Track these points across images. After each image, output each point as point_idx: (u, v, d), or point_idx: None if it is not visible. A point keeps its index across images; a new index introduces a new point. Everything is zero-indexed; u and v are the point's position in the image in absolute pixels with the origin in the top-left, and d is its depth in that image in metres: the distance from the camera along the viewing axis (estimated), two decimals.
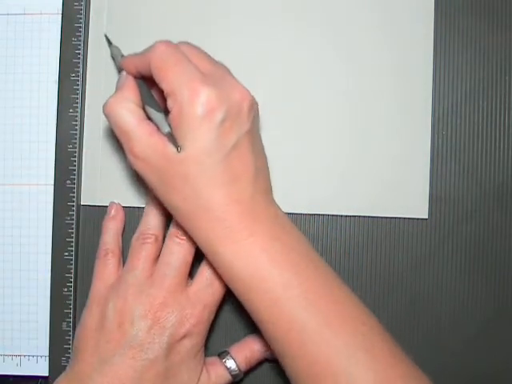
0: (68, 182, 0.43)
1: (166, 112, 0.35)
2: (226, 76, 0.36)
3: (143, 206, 0.43)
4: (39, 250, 0.44)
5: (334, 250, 0.43)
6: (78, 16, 0.42)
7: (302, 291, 0.34)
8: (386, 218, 0.42)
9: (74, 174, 0.43)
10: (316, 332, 0.33)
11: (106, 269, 0.40)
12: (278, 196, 0.42)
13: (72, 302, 0.42)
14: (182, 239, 0.38)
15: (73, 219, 0.42)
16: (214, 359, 0.40)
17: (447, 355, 0.42)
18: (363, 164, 0.42)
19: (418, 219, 0.42)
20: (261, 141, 0.38)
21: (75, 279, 0.43)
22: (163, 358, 0.36)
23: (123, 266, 0.40)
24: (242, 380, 0.41)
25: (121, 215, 0.42)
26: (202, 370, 0.38)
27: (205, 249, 0.36)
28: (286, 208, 0.42)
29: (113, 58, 0.42)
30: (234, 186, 0.35)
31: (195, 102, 0.33)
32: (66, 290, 0.43)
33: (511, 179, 0.42)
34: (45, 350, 0.43)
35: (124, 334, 0.36)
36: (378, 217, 0.42)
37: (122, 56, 0.40)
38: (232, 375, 0.39)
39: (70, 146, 0.43)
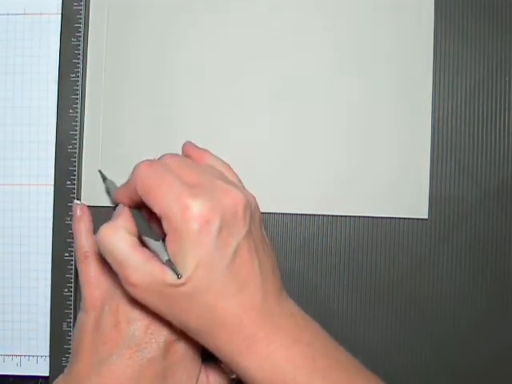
0: (68, 182, 0.43)
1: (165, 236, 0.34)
2: (214, 182, 0.35)
3: None
4: (39, 250, 0.44)
5: (333, 250, 0.43)
6: (78, 16, 0.42)
7: None
8: (386, 218, 0.42)
9: (74, 174, 0.43)
10: None
11: (90, 271, 0.39)
12: (278, 196, 0.42)
13: (72, 302, 0.42)
14: None
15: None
16: (212, 362, 0.39)
17: (447, 354, 0.42)
18: (363, 164, 0.42)
19: (417, 219, 0.42)
20: (264, 238, 0.37)
21: (75, 279, 0.43)
22: (161, 357, 0.36)
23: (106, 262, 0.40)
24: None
25: (87, 214, 0.41)
26: (200, 371, 0.38)
27: (226, 360, 0.35)
28: (287, 208, 0.42)
29: (108, 193, 0.42)
30: (243, 294, 0.34)
31: (188, 217, 0.32)
32: (66, 290, 0.43)
33: (511, 179, 0.42)
34: (45, 350, 0.43)
35: (121, 334, 0.36)
36: (378, 217, 0.42)
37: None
38: (231, 378, 0.39)
39: (70, 146, 0.43)
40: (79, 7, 0.42)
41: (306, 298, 0.43)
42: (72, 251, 0.42)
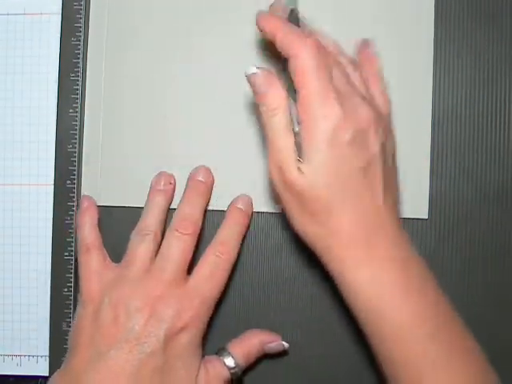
0: (68, 182, 0.43)
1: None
2: (354, 91, 0.35)
3: (143, 206, 0.43)
4: (39, 250, 0.44)
5: None
6: (78, 16, 0.42)
7: (429, 332, 0.34)
8: None
9: (74, 174, 0.43)
10: (445, 373, 0.33)
11: (92, 264, 0.39)
12: None
13: (72, 302, 0.42)
14: (182, 233, 0.39)
15: (73, 219, 0.42)
16: (212, 356, 0.39)
17: None
18: None
19: (417, 219, 0.42)
20: (395, 159, 0.38)
21: (75, 279, 0.43)
22: (160, 351, 0.36)
23: (108, 257, 0.40)
24: (241, 379, 0.41)
25: (94, 207, 0.42)
26: (199, 367, 0.38)
27: (336, 272, 0.35)
28: None
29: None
30: (361, 204, 0.34)
31: (327, 117, 0.33)
32: (65, 290, 0.43)
33: (511, 179, 0.42)
34: (45, 350, 0.43)
35: (120, 328, 0.36)
36: None
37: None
38: (231, 373, 0.39)
39: (70, 146, 0.43)
40: (79, 7, 0.42)
41: (306, 297, 0.43)
42: (72, 251, 0.42)
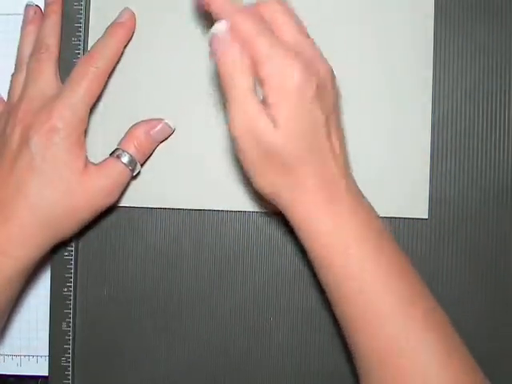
0: None
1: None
2: (311, 47, 0.36)
3: (143, 206, 0.43)
4: None
5: None
6: (78, 16, 0.42)
7: (382, 273, 0.34)
8: (386, 217, 0.42)
9: None
10: (391, 313, 0.34)
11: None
12: None
13: (72, 302, 0.42)
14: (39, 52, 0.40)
15: None
16: (107, 159, 0.40)
17: None
18: (363, 164, 0.42)
19: (417, 219, 0.42)
20: (341, 114, 0.38)
21: (75, 279, 0.43)
22: (33, 151, 0.37)
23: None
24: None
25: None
26: (85, 165, 0.39)
27: (297, 222, 0.36)
28: None
29: None
30: (324, 158, 0.35)
31: (288, 75, 0.33)
32: (65, 289, 0.43)
33: (511, 179, 0.42)
34: (45, 350, 0.43)
35: None
36: None
37: None
38: (130, 169, 0.40)
39: None
40: (79, 7, 0.42)
41: (306, 297, 0.43)
42: (72, 251, 0.42)
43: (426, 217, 0.42)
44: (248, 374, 0.42)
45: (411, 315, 0.34)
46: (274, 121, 0.34)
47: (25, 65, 0.40)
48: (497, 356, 0.42)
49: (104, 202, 0.40)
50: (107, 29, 0.41)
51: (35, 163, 0.37)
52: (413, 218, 0.42)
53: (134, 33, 0.42)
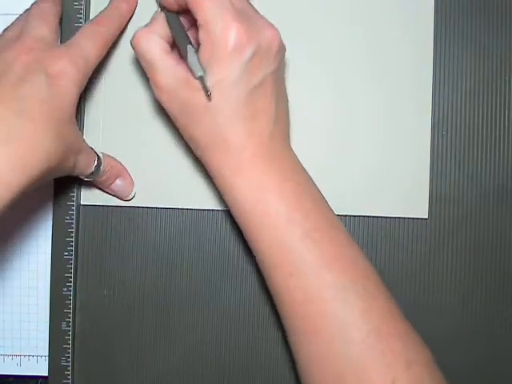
0: (68, 182, 0.43)
1: (198, 46, 0.36)
2: (258, 15, 0.36)
3: (143, 206, 0.43)
4: (39, 250, 0.44)
5: None
6: (78, 16, 0.42)
7: (306, 230, 0.35)
8: (386, 217, 0.42)
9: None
10: (316, 274, 0.34)
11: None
12: None
13: (72, 301, 0.42)
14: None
15: (73, 219, 0.42)
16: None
17: (447, 355, 0.42)
18: (363, 164, 0.42)
19: (417, 219, 0.42)
20: (285, 86, 0.39)
21: (75, 279, 0.43)
22: (44, 87, 0.35)
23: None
24: None
25: None
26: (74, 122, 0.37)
27: (217, 179, 0.37)
28: None
29: None
30: (254, 122, 0.35)
31: (227, 35, 0.34)
32: (65, 289, 0.43)
33: (511, 179, 0.42)
34: (45, 350, 0.43)
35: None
36: (378, 217, 0.42)
37: None
38: (94, 167, 0.39)
39: None
40: (79, 7, 0.42)
41: None
42: (72, 251, 0.42)
43: (426, 217, 0.42)
44: (251, 371, 0.42)
45: (330, 267, 0.34)
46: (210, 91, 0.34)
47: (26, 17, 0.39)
48: (497, 356, 0.42)
49: (61, 162, 0.37)
50: (110, 2, 0.41)
51: (39, 95, 0.35)
52: (413, 218, 0.42)
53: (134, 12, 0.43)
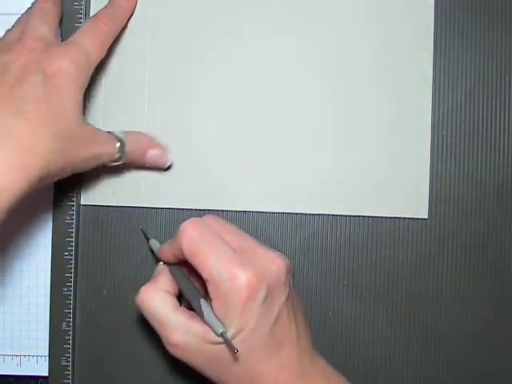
0: (68, 181, 0.43)
1: (205, 293, 0.35)
2: (257, 248, 0.36)
3: (143, 206, 0.43)
4: (39, 249, 0.44)
5: (333, 250, 0.43)
6: (78, 16, 0.42)
7: None
8: (386, 217, 0.42)
9: (74, 174, 0.43)
10: None
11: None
12: (278, 196, 0.42)
13: (72, 301, 0.42)
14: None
15: (73, 219, 0.42)
16: (104, 132, 0.39)
17: (447, 355, 0.42)
18: (363, 164, 0.42)
19: (417, 219, 0.42)
20: (298, 296, 0.38)
21: (75, 279, 0.43)
22: (40, 85, 0.35)
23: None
24: None
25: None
26: (80, 120, 0.37)
27: None
28: (286, 208, 0.42)
29: (151, 251, 0.42)
30: (280, 354, 0.35)
31: (237, 286, 0.33)
32: (65, 289, 0.43)
33: (511, 179, 0.42)
34: (45, 349, 0.43)
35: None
36: (377, 217, 0.42)
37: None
38: (117, 156, 0.39)
39: None
40: (79, 7, 0.42)
41: (306, 297, 0.43)
42: (72, 251, 0.42)
43: (426, 217, 0.42)
44: None
45: None
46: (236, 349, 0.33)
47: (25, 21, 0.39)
48: (497, 356, 0.42)
49: (72, 164, 0.37)
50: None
51: (36, 95, 0.35)
52: (413, 218, 0.42)
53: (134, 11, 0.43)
